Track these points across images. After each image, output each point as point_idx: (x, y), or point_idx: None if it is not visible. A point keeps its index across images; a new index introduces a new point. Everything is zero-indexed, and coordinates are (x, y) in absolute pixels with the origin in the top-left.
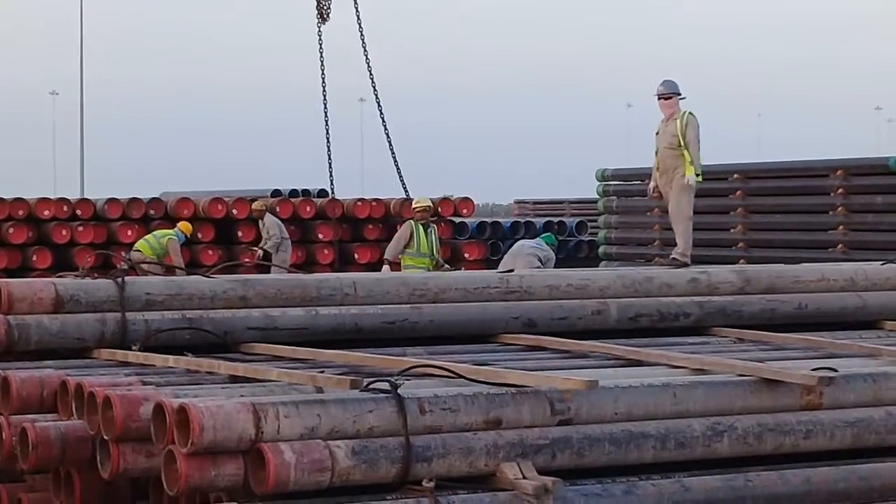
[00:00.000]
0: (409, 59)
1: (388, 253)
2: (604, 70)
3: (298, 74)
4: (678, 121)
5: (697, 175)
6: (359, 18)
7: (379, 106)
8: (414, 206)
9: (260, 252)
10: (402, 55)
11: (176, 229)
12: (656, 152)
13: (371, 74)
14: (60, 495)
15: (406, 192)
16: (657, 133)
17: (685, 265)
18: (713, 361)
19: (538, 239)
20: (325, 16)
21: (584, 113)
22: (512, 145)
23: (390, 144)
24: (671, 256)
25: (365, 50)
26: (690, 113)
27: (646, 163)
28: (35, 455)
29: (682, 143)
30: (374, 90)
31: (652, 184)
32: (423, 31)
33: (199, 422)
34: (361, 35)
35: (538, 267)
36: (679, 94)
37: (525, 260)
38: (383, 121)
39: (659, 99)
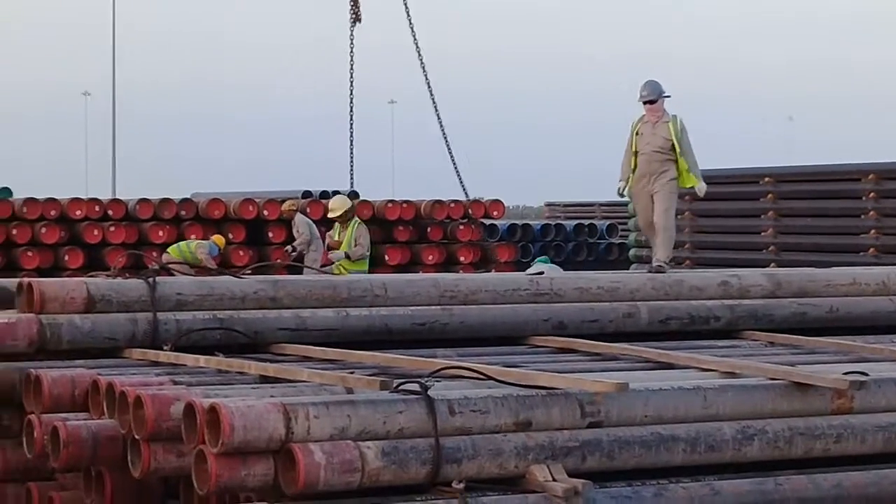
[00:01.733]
0: (439, 60)
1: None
2: (635, 73)
3: (331, 75)
4: (669, 124)
5: (700, 184)
6: (410, 22)
7: (436, 108)
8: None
9: (293, 251)
10: (429, 55)
11: (210, 241)
12: (635, 153)
13: (426, 77)
14: (91, 494)
15: (465, 192)
16: (637, 133)
17: (666, 272)
18: (744, 365)
19: (539, 263)
20: (359, 17)
21: (616, 115)
22: (543, 147)
23: (448, 146)
24: (655, 265)
25: (419, 51)
26: (680, 119)
27: None
28: (66, 454)
29: (675, 148)
30: (431, 93)
31: (623, 184)
32: (450, 32)
33: (230, 422)
34: (414, 37)
35: None
36: (665, 94)
37: None
38: (440, 122)
39: (645, 104)
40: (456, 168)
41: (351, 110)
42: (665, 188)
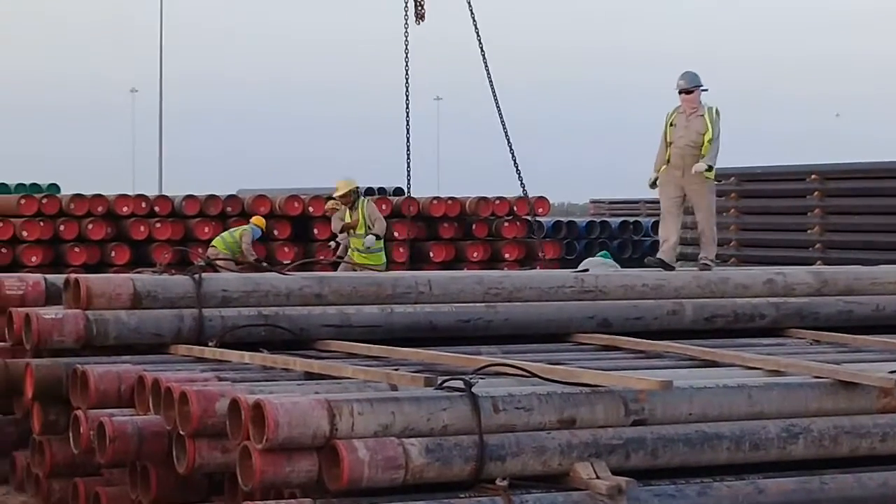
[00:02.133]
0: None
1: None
2: (679, 69)
3: (373, 72)
4: (705, 117)
5: (710, 169)
6: (473, 18)
7: (497, 106)
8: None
9: (338, 246)
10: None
11: (250, 224)
12: (669, 144)
13: (489, 74)
14: (137, 489)
15: (524, 189)
16: (671, 125)
17: (711, 269)
18: (789, 363)
19: (599, 258)
20: (422, 16)
21: (658, 112)
22: (589, 144)
23: (509, 142)
24: (701, 262)
25: (481, 48)
26: (717, 108)
27: (719, 164)
28: (112, 449)
29: (705, 141)
30: (493, 89)
31: (655, 175)
32: (497, 26)
33: (274, 418)
34: (477, 34)
35: None
36: (702, 87)
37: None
38: (502, 119)
39: (680, 93)
40: (516, 164)
41: (407, 108)
42: (702, 187)
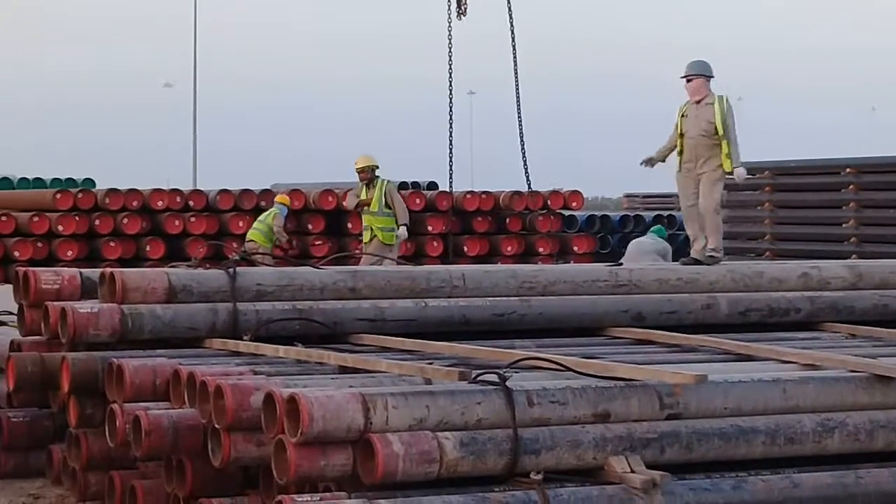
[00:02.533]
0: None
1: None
2: (716, 62)
3: (407, 65)
4: (714, 105)
5: (738, 167)
6: (510, 9)
7: (518, 100)
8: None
9: None
10: (503, 43)
11: (276, 206)
12: (680, 134)
13: (515, 68)
14: (172, 483)
15: (528, 183)
16: (683, 115)
17: (719, 261)
18: (824, 357)
19: (650, 234)
20: (464, 11)
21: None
22: (623, 138)
23: (521, 137)
24: (707, 254)
25: (513, 40)
26: (727, 98)
27: (754, 157)
28: (147, 442)
29: (718, 131)
30: (517, 84)
31: (651, 156)
32: (532, 16)
33: (309, 412)
34: (511, 27)
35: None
36: (707, 76)
37: (650, 258)
38: (519, 115)
39: (685, 80)
40: (524, 158)
41: (451, 104)
42: (712, 174)
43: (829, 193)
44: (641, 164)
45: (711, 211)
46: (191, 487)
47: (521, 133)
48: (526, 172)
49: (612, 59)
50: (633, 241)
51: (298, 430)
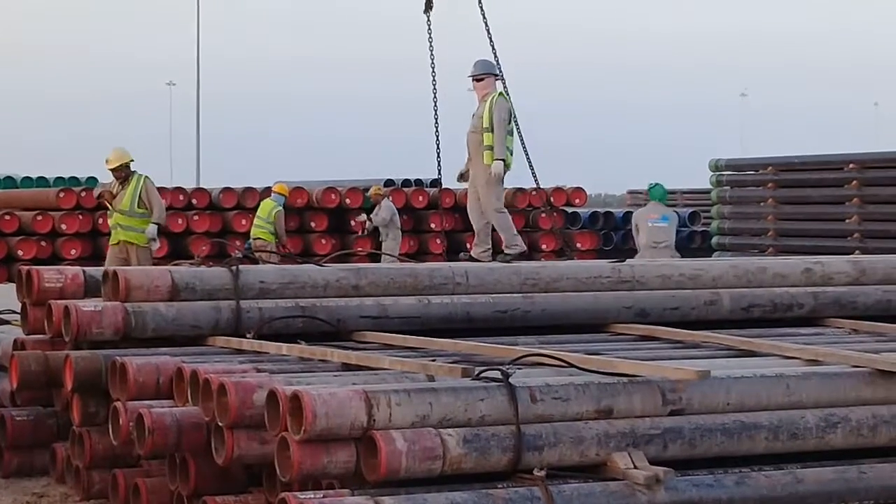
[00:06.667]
0: (524, 39)
1: None
2: (718, 61)
3: (417, 56)
4: (486, 103)
5: (500, 160)
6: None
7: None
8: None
9: (368, 223)
10: (516, 31)
11: (274, 196)
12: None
13: (496, 58)
14: (176, 480)
15: (536, 181)
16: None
17: (522, 253)
18: (827, 352)
19: (653, 204)
20: (430, 4)
21: (697, 102)
22: (626, 134)
23: (521, 137)
24: (502, 254)
25: (489, 36)
26: (501, 94)
27: (761, 153)
28: (151, 441)
29: (485, 126)
30: (503, 84)
31: (463, 168)
32: (523, 11)
33: (312, 409)
34: (486, 24)
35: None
36: (494, 74)
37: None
38: (515, 116)
39: (472, 80)
40: (528, 157)
41: (434, 100)
42: (482, 175)
43: (833, 189)
44: (458, 179)
45: (492, 211)
46: (194, 485)
47: (520, 133)
48: (532, 171)
49: (624, 49)
50: (651, 225)
51: (302, 427)
